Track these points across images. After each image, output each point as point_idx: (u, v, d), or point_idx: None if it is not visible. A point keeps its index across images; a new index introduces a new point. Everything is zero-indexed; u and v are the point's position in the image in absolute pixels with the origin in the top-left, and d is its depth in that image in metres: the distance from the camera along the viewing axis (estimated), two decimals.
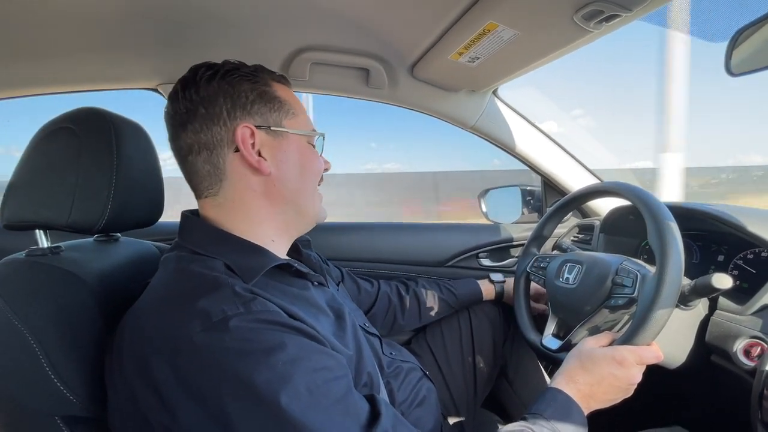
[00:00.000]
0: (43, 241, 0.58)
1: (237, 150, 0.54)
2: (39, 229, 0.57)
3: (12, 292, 0.49)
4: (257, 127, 0.55)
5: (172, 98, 0.55)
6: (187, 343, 0.42)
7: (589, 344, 0.62)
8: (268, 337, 0.43)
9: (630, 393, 0.59)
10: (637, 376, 0.58)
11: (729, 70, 0.58)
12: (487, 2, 0.64)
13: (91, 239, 0.68)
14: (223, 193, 0.55)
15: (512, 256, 1.24)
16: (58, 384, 0.47)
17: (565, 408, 0.55)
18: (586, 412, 0.56)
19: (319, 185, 0.64)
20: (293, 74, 0.96)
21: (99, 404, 0.48)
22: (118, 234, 0.71)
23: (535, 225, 0.93)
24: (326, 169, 0.65)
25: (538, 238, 0.91)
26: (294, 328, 0.46)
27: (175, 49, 0.88)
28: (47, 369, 0.46)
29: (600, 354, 0.59)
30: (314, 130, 0.62)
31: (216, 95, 0.54)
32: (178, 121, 0.55)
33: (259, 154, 0.55)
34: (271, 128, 0.56)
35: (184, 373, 0.41)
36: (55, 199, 0.55)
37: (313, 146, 0.61)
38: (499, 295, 1.01)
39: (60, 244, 0.60)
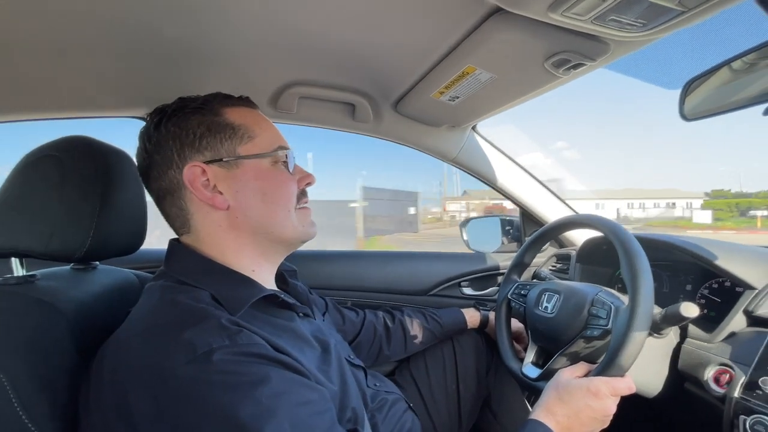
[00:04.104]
0: (18, 269, 0.56)
1: None
2: (15, 257, 0.56)
3: None
4: (207, 162, 0.55)
5: (137, 149, 0.58)
6: (171, 376, 0.41)
7: (566, 375, 0.63)
8: (253, 370, 0.43)
9: (606, 424, 0.60)
10: (612, 408, 0.59)
11: (683, 115, 0.64)
12: (466, 48, 0.69)
13: (68, 267, 0.66)
14: (195, 231, 0.57)
15: (493, 285, 1.26)
16: (26, 421, 0.44)
17: None
18: None
19: (303, 201, 0.62)
20: (281, 107, 0.98)
21: None
22: (96, 262, 0.69)
23: (514, 254, 0.96)
24: (308, 183, 0.63)
25: (519, 265, 0.93)
26: (278, 362, 0.46)
27: (164, 79, 0.89)
28: (15, 404, 0.44)
29: (575, 385, 0.60)
30: (281, 147, 0.59)
31: (165, 139, 0.55)
32: (142, 171, 0.58)
33: (217, 189, 0.55)
34: (224, 160, 0.55)
35: (165, 406, 0.41)
36: (34, 226, 0.54)
37: (284, 163, 0.59)
38: (483, 324, 1.02)
39: (35, 272, 0.58)
